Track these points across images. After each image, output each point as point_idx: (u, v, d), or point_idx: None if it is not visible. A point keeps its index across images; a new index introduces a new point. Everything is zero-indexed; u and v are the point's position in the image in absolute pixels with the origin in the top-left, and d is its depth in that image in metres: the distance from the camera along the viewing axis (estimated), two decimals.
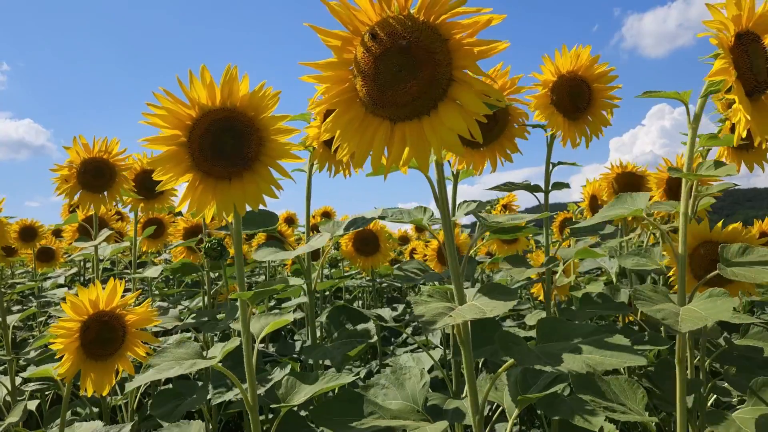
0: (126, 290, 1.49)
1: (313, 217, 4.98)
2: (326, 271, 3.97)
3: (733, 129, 1.35)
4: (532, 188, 1.81)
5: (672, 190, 1.99)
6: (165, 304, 2.77)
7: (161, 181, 1.08)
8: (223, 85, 1.05)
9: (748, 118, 0.93)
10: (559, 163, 1.84)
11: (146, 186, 2.23)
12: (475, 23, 0.80)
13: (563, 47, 1.49)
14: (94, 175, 1.97)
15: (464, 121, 0.82)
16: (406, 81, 0.81)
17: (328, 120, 0.89)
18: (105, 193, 2.02)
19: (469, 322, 1.05)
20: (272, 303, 3.12)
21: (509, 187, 1.85)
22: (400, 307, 3.09)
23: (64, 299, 2.75)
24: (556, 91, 1.52)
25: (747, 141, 1.00)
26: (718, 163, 1.10)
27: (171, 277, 3.66)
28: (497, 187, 1.89)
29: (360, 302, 3.83)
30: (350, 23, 0.84)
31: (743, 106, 0.93)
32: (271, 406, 1.46)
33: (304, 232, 2.81)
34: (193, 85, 1.03)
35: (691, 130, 1.05)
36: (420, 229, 4.50)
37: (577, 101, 1.53)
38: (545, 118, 1.52)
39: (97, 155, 1.98)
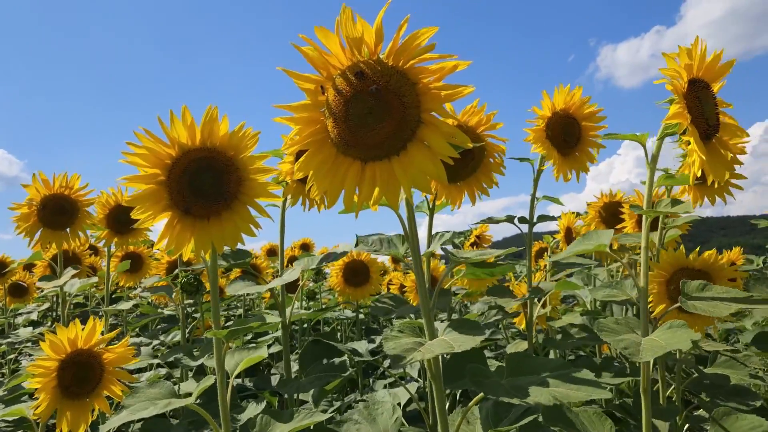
0: None
1: (293, 249, 4.98)
2: (303, 304, 3.96)
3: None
4: (519, 220, 1.85)
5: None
6: (139, 339, 2.72)
7: (137, 217, 1.08)
8: (204, 125, 1.07)
9: (703, 158, 0.98)
10: (544, 197, 1.89)
11: (120, 220, 2.17)
12: (442, 68, 0.84)
13: (560, 85, 1.59)
14: (55, 212, 1.91)
15: (433, 164, 0.85)
16: (377, 123, 0.84)
17: (301, 160, 0.91)
18: (68, 229, 1.96)
19: (440, 357, 1.07)
20: (249, 336, 3.09)
21: (494, 220, 1.89)
22: (378, 339, 3.08)
23: (35, 339, 2.67)
24: (551, 126, 1.60)
25: (701, 180, 1.05)
26: (675, 201, 1.15)
27: (145, 314, 3.60)
28: (482, 222, 1.92)
29: (339, 334, 3.80)
30: (322, 67, 0.87)
31: (698, 147, 0.98)
32: None
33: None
34: (173, 125, 1.05)
35: (649, 170, 1.10)
36: (396, 259, 4.52)
37: (568, 137, 1.61)
38: (542, 151, 1.59)
39: (58, 191, 1.92)
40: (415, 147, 0.86)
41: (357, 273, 2.98)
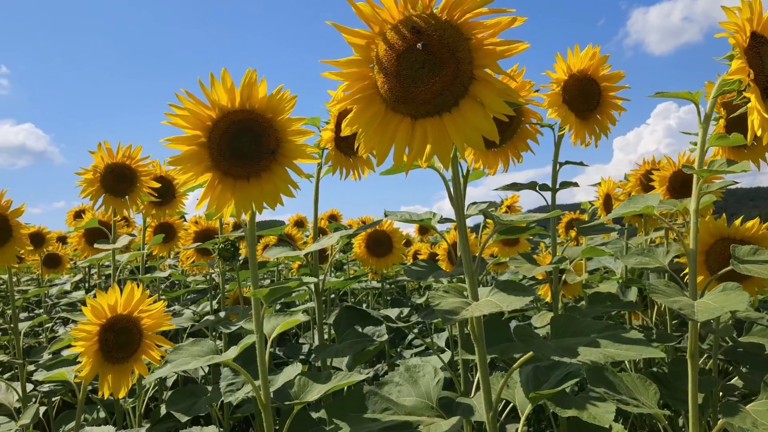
0: None
1: (321, 219, 4.98)
2: (331, 275, 3.99)
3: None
4: (540, 187, 1.82)
5: (675, 189, 1.98)
6: (177, 308, 2.79)
7: (179, 177, 1.10)
8: (243, 87, 1.07)
9: (765, 116, 0.95)
10: (567, 162, 1.85)
11: (159, 192, 2.25)
12: (498, 23, 0.82)
13: (575, 47, 1.50)
14: (117, 180, 2.03)
15: (487, 121, 0.84)
16: (429, 78, 0.82)
17: (349, 116, 0.90)
18: (126, 197, 2.08)
19: (482, 319, 1.07)
20: (278, 308, 3.13)
21: (516, 186, 1.86)
22: (406, 310, 3.10)
23: (74, 304, 2.75)
24: (567, 89, 1.52)
25: (754, 141, 1.02)
26: (730, 161, 1.13)
27: (177, 282, 3.67)
28: (505, 187, 1.90)
29: (365, 305, 3.84)
30: (373, 21, 0.85)
31: (759, 105, 0.95)
32: (285, 403, 1.47)
33: (309, 235, 2.81)
34: (213, 87, 1.06)
35: (702, 129, 1.08)
36: (423, 231, 4.51)
37: (588, 100, 1.54)
38: (558, 116, 1.52)
39: (120, 161, 2.04)
40: (468, 103, 0.85)
41: (380, 243, 2.98)
